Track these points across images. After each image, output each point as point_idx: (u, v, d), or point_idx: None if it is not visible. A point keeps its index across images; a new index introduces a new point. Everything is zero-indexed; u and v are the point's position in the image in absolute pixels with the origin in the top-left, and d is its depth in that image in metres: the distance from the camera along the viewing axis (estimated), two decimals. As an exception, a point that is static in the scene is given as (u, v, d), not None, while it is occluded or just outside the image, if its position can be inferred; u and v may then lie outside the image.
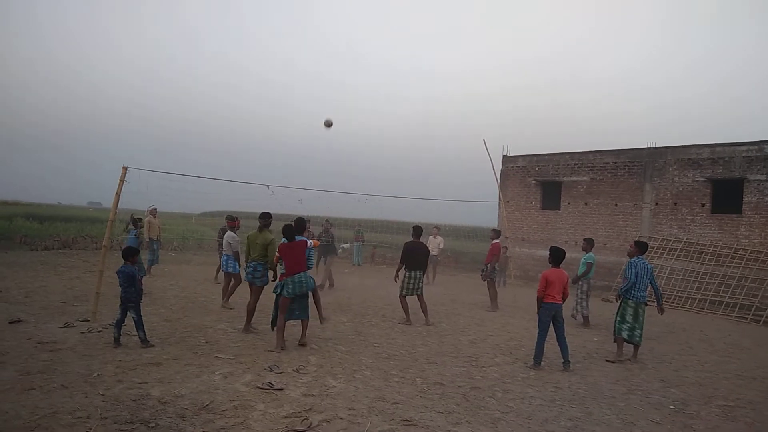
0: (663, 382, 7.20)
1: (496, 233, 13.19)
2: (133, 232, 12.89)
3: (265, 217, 8.87)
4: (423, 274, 10.37)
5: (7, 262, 14.96)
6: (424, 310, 10.24)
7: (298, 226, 8.09)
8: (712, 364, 8.54)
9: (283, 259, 7.81)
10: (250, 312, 8.53)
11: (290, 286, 7.69)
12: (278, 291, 7.71)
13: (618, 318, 8.44)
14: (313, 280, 8.01)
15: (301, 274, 7.79)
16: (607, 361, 8.18)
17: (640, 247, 8.66)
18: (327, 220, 15.15)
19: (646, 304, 8.52)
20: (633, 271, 8.34)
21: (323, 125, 11.98)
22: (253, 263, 8.69)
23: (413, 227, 10.65)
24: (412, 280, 10.14)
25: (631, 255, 8.86)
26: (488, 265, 12.61)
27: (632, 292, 8.34)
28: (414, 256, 10.17)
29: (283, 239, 7.92)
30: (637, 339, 8.35)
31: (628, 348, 8.59)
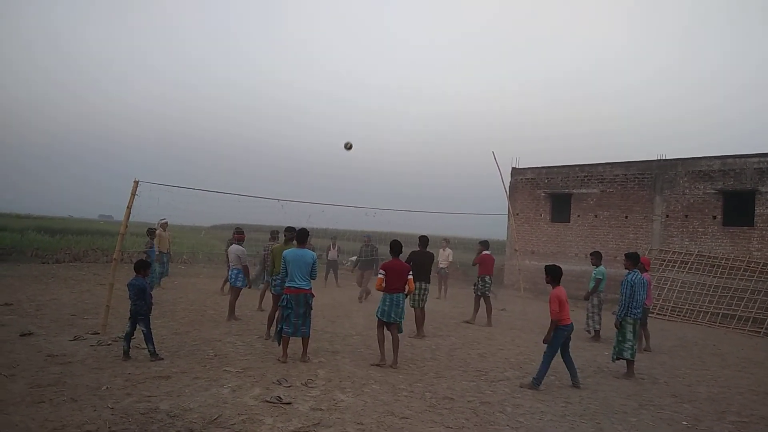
0: (675, 398, 7.11)
1: (485, 245, 12.42)
2: (153, 248, 12.99)
3: (290, 231, 8.99)
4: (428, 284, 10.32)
5: (19, 275, 15.10)
6: (422, 322, 10.18)
7: (394, 250, 8.02)
8: (725, 379, 8.43)
9: (385, 276, 7.84)
10: (271, 319, 8.98)
11: (387, 303, 7.83)
12: (284, 303, 7.72)
13: (619, 338, 8.14)
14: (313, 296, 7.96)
15: (399, 294, 7.90)
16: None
17: (632, 260, 8.29)
18: (368, 236, 15.87)
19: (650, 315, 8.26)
20: (628, 291, 8.05)
21: (344, 147, 12.09)
22: (280, 276, 8.75)
23: (420, 237, 10.42)
24: (423, 292, 10.10)
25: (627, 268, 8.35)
26: (482, 278, 12.00)
27: (630, 309, 8.09)
28: (422, 267, 10.04)
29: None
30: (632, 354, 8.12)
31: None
